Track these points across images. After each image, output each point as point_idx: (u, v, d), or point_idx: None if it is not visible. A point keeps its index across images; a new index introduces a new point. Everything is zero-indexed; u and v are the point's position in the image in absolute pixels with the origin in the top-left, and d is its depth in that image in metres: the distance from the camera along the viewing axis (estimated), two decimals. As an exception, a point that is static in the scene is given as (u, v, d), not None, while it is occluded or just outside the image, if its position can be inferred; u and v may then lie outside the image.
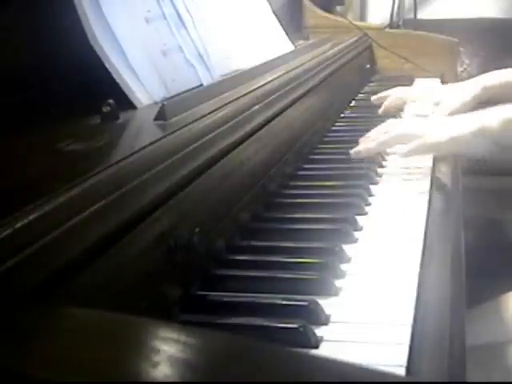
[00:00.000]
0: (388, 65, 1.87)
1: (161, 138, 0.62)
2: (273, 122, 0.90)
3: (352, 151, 1.01)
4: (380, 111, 1.34)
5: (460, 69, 2.44)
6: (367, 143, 1.02)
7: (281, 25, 1.31)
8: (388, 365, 0.49)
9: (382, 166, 1.02)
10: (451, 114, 1.14)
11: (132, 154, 0.56)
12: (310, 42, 1.60)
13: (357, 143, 1.15)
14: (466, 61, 2.54)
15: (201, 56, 0.93)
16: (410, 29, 2.27)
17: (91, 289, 0.47)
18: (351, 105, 1.51)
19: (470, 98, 1.15)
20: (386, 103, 1.34)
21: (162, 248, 0.57)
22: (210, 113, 0.73)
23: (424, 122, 1.04)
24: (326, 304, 0.58)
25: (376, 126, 1.28)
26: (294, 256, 0.68)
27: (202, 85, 0.90)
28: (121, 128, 0.69)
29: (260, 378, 0.31)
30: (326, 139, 1.20)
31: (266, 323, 0.55)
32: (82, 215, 0.46)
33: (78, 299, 0.45)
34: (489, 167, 1.73)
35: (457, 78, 1.92)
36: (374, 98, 1.39)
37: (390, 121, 1.12)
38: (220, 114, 0.74)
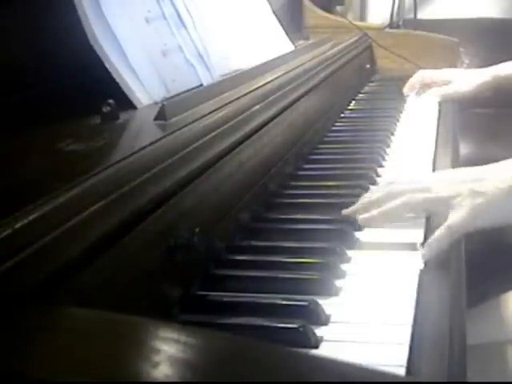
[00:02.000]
0: (388, 65, 1.87)
1: (161, 138, 0.62)
2: (273, 122, 0.90)
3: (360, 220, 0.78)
4: (404, 90, 1.52)
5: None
6: (371, 214, 0.78)
7: (281, 25, 1.31)
8: (388, 365, 0.49)
9: (381, 166, 1.02)
10: (457, 94, 1.25)
11: (132, 154, 0.56)
12: (310, 42, 1.60)
13: (357, 143, 1.15)
14: (466, 61, 2.54)
15: (201, 56, 0.93)
16: (410, 29, 2.27)
17: (91, 289, 0.47)
18: (351, 105, 1.51)
19: (480, 82, 1.28)
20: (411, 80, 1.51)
21: (162, 248, 0.57)
22: (210, 113, 0.73)
23: (435, 180, 0.80)
24: (326, 304, 0.58)
25: (375, 125, 1.29)
26: (295, 256, 0.68)
27: (201, 85, 0.90)
28: (121, 128, 0.69)
29: (260, 378, 0.31)
30: (326, 139, 1.20)
31: (266, 323, 0.55)
32: (82, 215, 0.46)
33: (78, 299, 0.45)
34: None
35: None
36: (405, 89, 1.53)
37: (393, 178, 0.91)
38: (220, 114, 0.74)
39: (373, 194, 0.82)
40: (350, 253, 0.70)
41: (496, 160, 0.77)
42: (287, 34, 1.33)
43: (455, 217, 0.72)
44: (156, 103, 0.78)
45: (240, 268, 0.67)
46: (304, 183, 0.95)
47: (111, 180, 0.51)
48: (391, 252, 0.71)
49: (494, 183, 0.72)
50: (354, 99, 1.55)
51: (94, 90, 0.75)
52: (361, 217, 0.77)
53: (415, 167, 1.01)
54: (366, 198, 0.81)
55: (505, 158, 0.77)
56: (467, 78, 1.39)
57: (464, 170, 0.79)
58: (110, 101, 0.69)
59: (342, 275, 0.65)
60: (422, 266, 0.67)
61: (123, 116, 0.71)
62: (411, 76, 1.70)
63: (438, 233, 0.72)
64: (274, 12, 1.30)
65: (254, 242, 0.74)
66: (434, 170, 1.00)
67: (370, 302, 0.60)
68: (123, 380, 0.30)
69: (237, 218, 0.75)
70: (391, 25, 2.36)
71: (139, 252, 0.53)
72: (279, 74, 1.01)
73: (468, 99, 1.38)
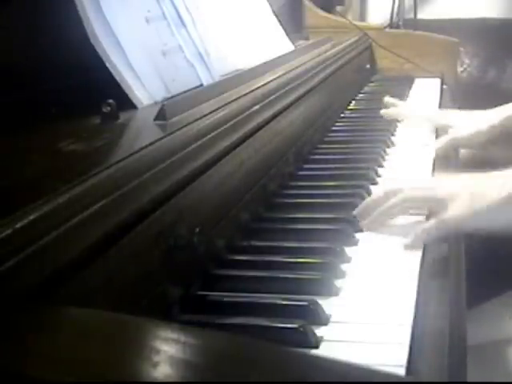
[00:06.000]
0: (388, 65, 1.87)
1: (161, 138, 0.62)
2: (273, 122, 0.90)
3: (362, 225, 0.79)
4: (382, 112, 1.30)
5: (460, 69, 2.44)
6: (371, 216, 0.79)
7: (281, 25, 1.31)
8: (388, 365, 0.49)
9: (381, 166, 1.02)
10: (462, 140, 1.06)
11: (132, 154, 0.56)
12: (310, 41, 1.60)
13: (357, 143, 1.15)
14: (466, 61, 2.54)
15: (201, 56, 0.93)
16: (409, 29, 2.28)
17: (91, 288, 0.47)
18: (351, 105, 1.51)
19: (487, 127, 1.04)
20: (389, 111, 1.29)
21: (162, 248, 0.57)
22: (210, 113, 0.73)
23: (435, 182, 0.85)
24: (326, 304, 0.58)
25: (375, 125, 1.29)
26: (295, 256, 0.68)
27: (202, 85, 0.90)
28: (121, 128, 0.69)
29: (260, 378, 0.31)
30: (326, 139, 1.20)
31: (265, 323, 0.55)
32: (82, 215, 0.46)
33: (78, 299, 0.45)
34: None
35: (457, 78, 1.92)
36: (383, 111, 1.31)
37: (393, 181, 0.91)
38: (220, 113, 0.74)
39: (373, 195, 0.82)
40: (350, 253, 0.70)
41: (496, 162, 0.77)
42: (287, 34, 1.33)
43: (450, 213, 0.73)
44: (156, 103, 0.78)
45: (240, 268, 0.67)
46: (304, 183, 0.95)
47: (111, 180, 0.51)
48: (391, 252, 0.71)
49: (495, 189, 0.72)
50: (354, 99, 1.55)
51: (94, 90, 0.75)
52: (364, 223, 0.78)
53: (415, 168, 1.01)
54: (366, 201, 0.81)
55: (505, 159, 0.76)
56: (468, 124, 1.10)
57: (465, 175, 0.79)
58: (110, 101, 0.69)
59: (342, 275, 0.65)
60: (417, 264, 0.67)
61: (123, 116, 0.71)
62: (411, 76, 1.70)
63: (428, 223, 0.74)
64: (273, 12, 1.31)
65: (254, 242, 0.74)
66: (433, 170, 1.00)
67: (369, 302, 0.60)
68: (123, 380, 0.30)
69: (237, 217, 0.75)
70: (391, 25, 2.36)
71: (139, 252, 0.53)
72: (279, 73, 1.01)
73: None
